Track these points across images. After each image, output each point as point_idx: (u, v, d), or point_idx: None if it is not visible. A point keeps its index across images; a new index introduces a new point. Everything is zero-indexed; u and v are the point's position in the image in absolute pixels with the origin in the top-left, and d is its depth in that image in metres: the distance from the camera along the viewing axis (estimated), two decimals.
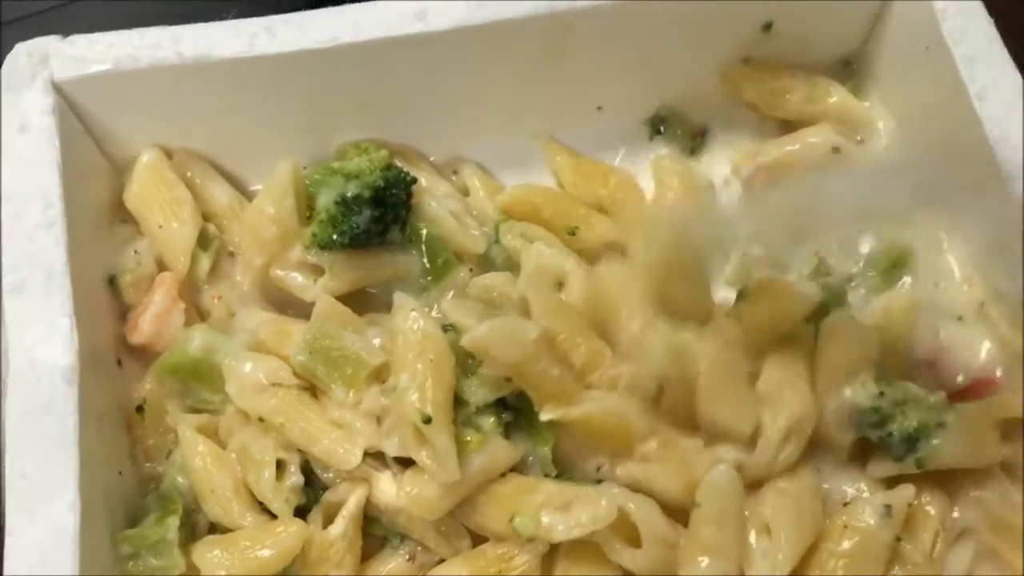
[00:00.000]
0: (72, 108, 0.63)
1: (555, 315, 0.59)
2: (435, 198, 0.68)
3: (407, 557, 0.61)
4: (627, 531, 0.56)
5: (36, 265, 0.57)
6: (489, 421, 0.58)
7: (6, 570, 0.51)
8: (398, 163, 0.68)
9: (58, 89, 0.62)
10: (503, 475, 0.58)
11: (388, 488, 0.59)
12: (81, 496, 0.52)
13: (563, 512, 0.56)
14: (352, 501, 0.59)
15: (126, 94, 0.64)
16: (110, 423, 0.60)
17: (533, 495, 0.57)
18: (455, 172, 0.72)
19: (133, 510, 0.60)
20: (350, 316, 0.64)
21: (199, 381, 0.63)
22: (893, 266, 0.68)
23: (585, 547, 0.57)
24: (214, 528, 0.61)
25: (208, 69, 0.64)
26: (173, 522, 0.57)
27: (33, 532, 0.51)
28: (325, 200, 0.64)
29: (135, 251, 0.65)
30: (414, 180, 0.66)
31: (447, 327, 0.60)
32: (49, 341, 0.55)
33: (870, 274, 0.67)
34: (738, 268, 0.65)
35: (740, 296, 0.62)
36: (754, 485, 0.58)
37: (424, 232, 0.66)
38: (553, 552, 0.58)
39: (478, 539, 0.60)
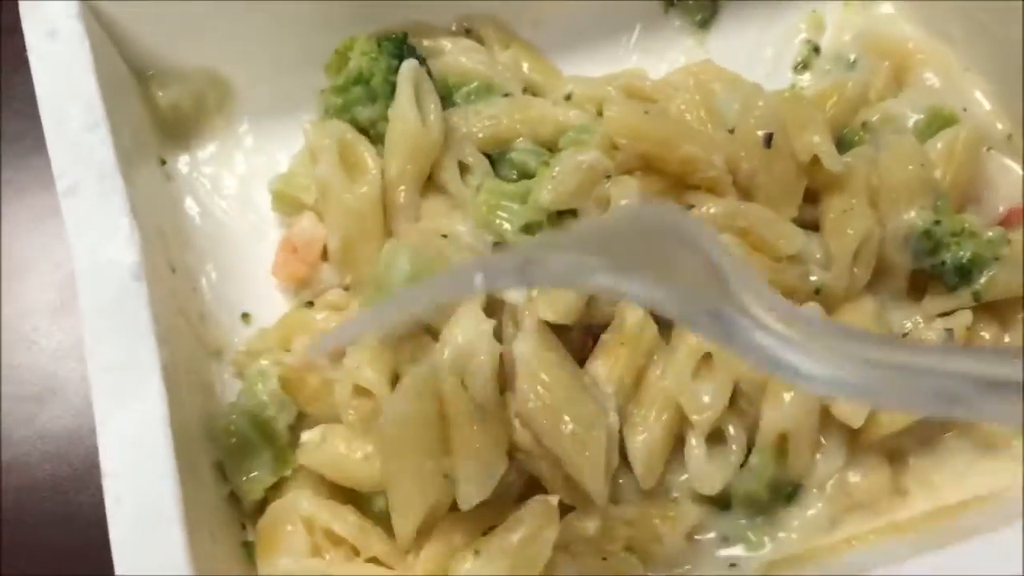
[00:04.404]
0: (93, 13, 0.62)
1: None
2: (462, 53, 0.69)
3: None
4: None
5: (87, 166, 0.56)
6: None
7: (102, 461, 0.51)
8: (413, 40, 0.67)
9: None
10: None
11: None
12: (166, 383, 0.52)
13: None
14: None
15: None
16: (173, 315, 0.59)
17: None
18: (468, 30, 0.72)
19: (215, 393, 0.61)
20: None
21: None
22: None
23: None
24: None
25: None
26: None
27: (124, 423, 0.51)
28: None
29: None
30: (405, 35, 0.66)
31: None
32: (111, 240, 0.55)
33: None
34: None
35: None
36: (828, 311, 0.60)
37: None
38: None
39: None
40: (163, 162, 0.69)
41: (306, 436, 0.57)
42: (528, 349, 0.56)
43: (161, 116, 0.69)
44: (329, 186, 0.61)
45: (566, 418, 0.55)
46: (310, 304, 0.61)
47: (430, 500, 0.54)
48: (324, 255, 0.63)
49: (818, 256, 0.62)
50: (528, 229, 0.60)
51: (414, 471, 0.53)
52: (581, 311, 0.58)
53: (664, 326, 0.60)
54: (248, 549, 0.58)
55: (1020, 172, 0.66)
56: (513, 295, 0.57)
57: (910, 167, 0.62)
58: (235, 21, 0.67)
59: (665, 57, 0.75)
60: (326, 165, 0.61)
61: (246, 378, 0.60)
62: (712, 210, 0.60)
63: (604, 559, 0.57)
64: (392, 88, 0.62)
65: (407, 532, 0.54)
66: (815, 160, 0.62)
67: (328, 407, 0.58)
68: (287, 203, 0.65)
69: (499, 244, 0.60)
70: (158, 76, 0.68)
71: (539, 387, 0.55)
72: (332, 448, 0.57)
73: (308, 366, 0.58)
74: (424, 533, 0.56)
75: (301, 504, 0.57)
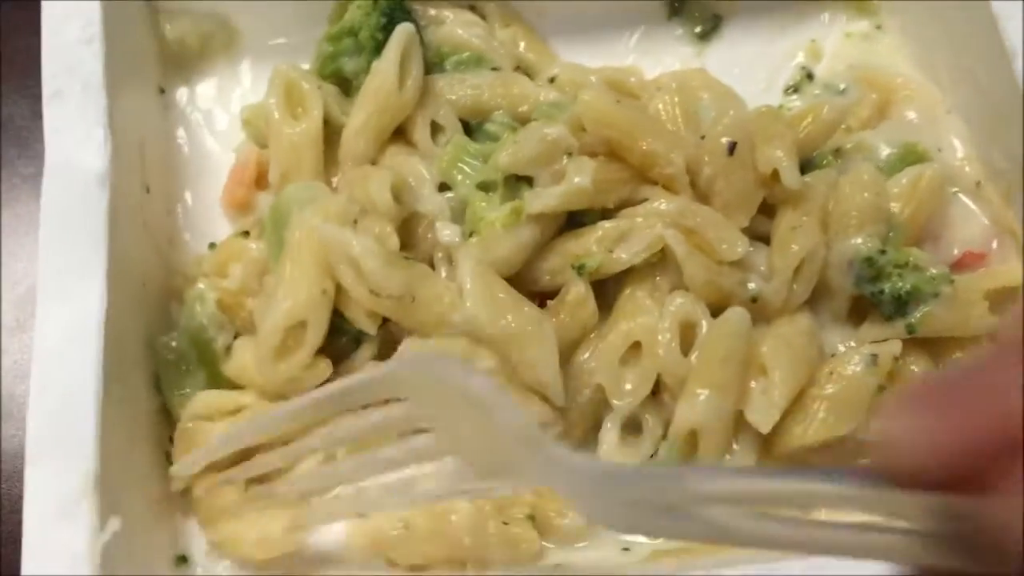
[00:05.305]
0: None
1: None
2: (460, 25, 0.71)
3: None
4: None
5: (74, 76, 0.60)
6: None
7: (35, 351, 0.54)
8: (415, 6, 0.70)
9: None
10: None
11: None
12: (111, 289, 0.55)
13: (622, 242, 0.61)
14: None
15: None
16: (136, 229, 0.62)
17: (590, 236, 0.62)
18: (472, 7, 0.74)
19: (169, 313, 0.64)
20: None
21: None
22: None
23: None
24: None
25: None
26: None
27: (62, 319, 0.54)
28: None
29: None
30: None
31: None
32: (84, 147, 0.58)
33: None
34: None
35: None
36: (763, 321, 0.61)
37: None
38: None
39: None
40: (162, 91, 0.72)
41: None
42: (470, 265, 0.59)
43: (166, 48, 0.72)
44: (272, 120, 0.64)
45: (510, 317, 0.57)
46: (246, 234, 0.64)
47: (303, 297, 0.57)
48: (262, 184, 0.66)
49: (762, 268, 0.63)
50: (484, 187, 0.62)
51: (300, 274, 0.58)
52: (516, 267, 0.61)
53: (604, 307, 0.62)
54: (171, 461, 0.61)
55: (982, 218, 0.67)
56: (447, 234, 0.60)
57: (865, 194, 0.63)
58: None
59: (662, 61, 0.77)
60: (271, 100, 0.64)
61: (185, 301, 0.62)
62: (663, 206, 0.62)
63: (505, 523, 0.59)
64: (377, 44, 0.65)
65: (273, 326, 0.57)
66: (776, 175, 0.63)
67: None
68: (254, 131, 0.68)
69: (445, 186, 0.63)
70: (169, 11, 0.72)
71: (481, 290, 0.58)
72: (241, 357, 0.60)
73: (245, 290, 0.60)
74: None
75: (198, 403, 0.60)
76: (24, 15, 0.74)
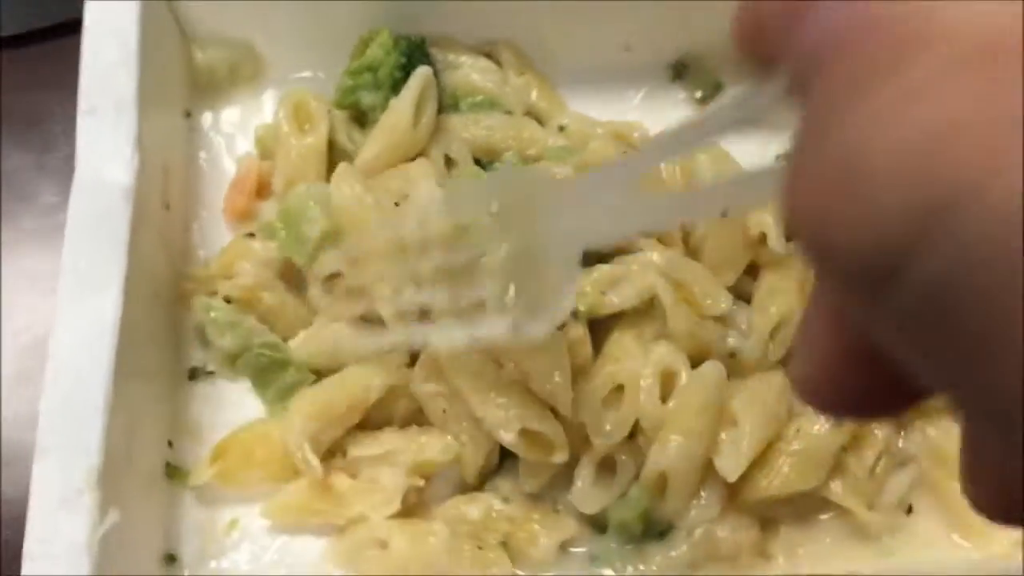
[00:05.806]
0: None
1: None
2: (476, 71, 0.75)
3: None
4: None
5: (108, 95, 0.63)
6: None
7: (50, 351, 0.57)
8: (433, 50, 0.75)
9: None
10: None
11: None
12: (127, 295, 0.58)
13: (615, 287, 0.64)
14: None
15: None
16: (153, 243, 0.66)
17: (586, 278, 0.64)
18: (488, 54, 0.78)
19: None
20: None
21: None
22: None
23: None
24: None
25: None
26: None
27: (79, 323, 0.57)
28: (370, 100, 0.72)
29: None
30: (423, 40, 0.73)
31: None
32: (113, 162, 0.62)
33: None
34: None
35: None
36: (739, 375, 0.65)
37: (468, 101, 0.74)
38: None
39: None
40: (188, 114, 0.76)
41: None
42: None
43: (196, 75, 0.76)
44: (280, 133, 0.70)
45: None
46: (251, 235, 0.68)
47: None
48: (262, 194, 0.71)
49: (743, 326, 0.66)
50: None
51: None
52: None
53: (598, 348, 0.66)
54: (169, 471, 0.64)
55: None
56: None
57: None
58: (282, 5, 0.74)
59: (663, 119, 0.79)
60: (280, 114, 0.70)
61: (194, 307, 0.66)
62: (656, 257, 0.65)
63: (480, 547, 0.62)
64: (395, 82, 0.69)
65: None
66: (763, 238, 0.67)
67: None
68: (264, 148, 0.73)
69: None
70: (201, 38, 0.76)
71: None
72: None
73: (261, 284, 0.64)
74: None
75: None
76: (22, 69, 0.79)
